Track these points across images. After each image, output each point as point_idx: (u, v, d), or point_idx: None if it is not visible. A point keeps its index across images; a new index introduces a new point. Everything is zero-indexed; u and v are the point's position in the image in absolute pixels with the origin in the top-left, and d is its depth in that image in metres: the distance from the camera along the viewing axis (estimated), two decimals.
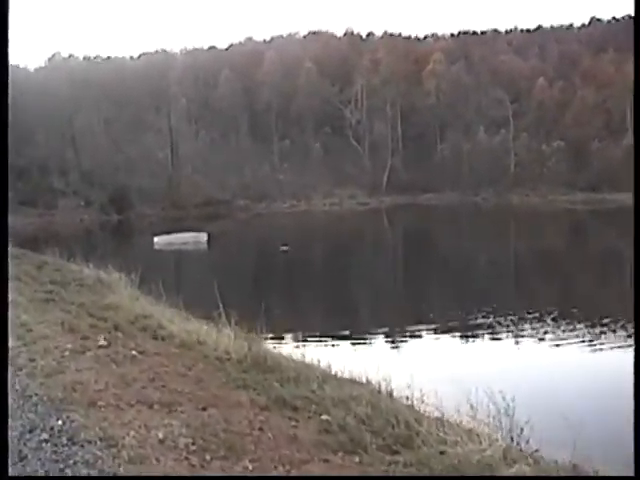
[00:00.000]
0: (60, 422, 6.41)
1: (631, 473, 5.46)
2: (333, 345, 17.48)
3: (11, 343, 9.40)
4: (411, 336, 19.41)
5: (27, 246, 36.27)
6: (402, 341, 18.89)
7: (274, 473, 5.77)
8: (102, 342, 9.72)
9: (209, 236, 48.66)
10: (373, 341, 18.87)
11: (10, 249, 27.54)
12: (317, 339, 17.81)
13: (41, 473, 5.43)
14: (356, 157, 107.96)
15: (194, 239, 48.08)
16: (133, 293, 17.24)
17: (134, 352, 9.39)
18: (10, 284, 16.68)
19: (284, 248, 40.66)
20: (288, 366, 9.64)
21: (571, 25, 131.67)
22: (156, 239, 48.11)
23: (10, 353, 8.85)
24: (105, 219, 76.36)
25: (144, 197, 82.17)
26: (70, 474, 5.41)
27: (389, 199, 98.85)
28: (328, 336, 18.36)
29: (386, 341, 19.09)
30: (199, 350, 10.51)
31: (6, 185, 6.44)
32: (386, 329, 20.52)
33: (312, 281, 32.13)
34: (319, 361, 11.04)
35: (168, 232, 49.50)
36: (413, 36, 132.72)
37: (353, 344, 18.10)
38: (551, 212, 79.82)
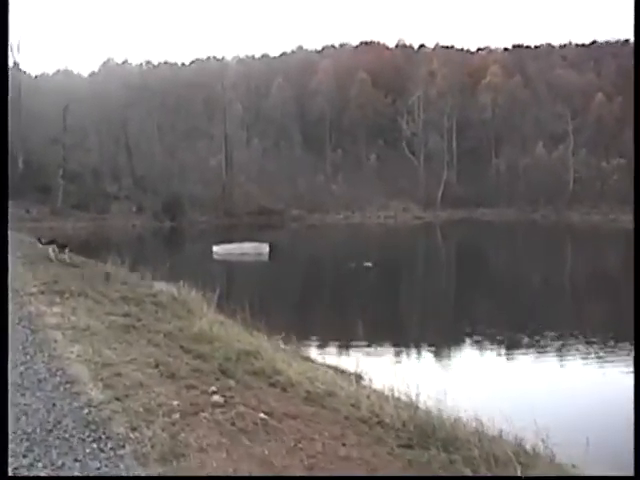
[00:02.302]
0: None
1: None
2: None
3: (100, 395, 7.21)
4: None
5: (80, 251, 34.40)
6: None
7: None
8: (216, 398, 7.39)
9: (270, 247, 46.63)
10: None
11: (67, 255, 25.77)
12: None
13: None
14: (411, 170, 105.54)
15: (255, 250, 46.07)
16: (216, 316, 14.97)
17: (261, 414, 7.05)
18: (77, 301, 14.56)
19: (368, 264, 38.42)
20: (464, 435, 7.22)
21: (627, 41, 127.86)
22: (215, 248, 46.23)
23: (101, 412, 6.66)
24: (157, 225, 75.00)
25: (196, 204, 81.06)
26: None
27: (444, 213, 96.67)
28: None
29: None
30: (334, 407, 8.18)
31: (6, 186, 6.70)
32: None
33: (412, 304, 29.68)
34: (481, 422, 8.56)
35: (228, 241, 47.63)
36: (465, 49, 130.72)
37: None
38: (613, 231, 76.53)
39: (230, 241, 47.64)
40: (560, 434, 8.42)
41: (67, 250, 25.22)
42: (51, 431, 6.25)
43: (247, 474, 5.59)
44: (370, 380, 11.13)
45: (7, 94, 6.71)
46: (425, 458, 6.52)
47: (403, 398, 9.07)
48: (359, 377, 12.16)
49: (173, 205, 77.82)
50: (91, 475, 5.48)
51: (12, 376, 7.78)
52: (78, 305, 13.22)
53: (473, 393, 10.83)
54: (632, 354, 17.43)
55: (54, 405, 6.93)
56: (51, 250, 24.46)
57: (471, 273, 41.11)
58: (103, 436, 6.16)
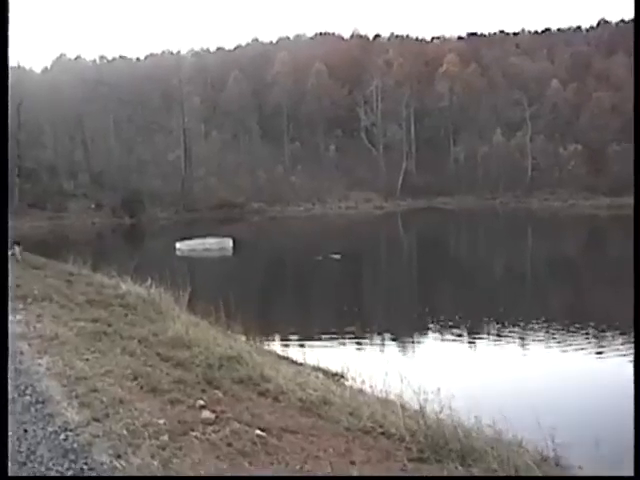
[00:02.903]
0: None
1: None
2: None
3: (76, 416, 6.49)
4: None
5: (38, 251, 33.39)
6: None
7: None
8: (206, 413, 6.70)
9: (234, 241, 45.79)
10: None
11: (22, 255, 24.87)
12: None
13: None
14: (370, 160, 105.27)
15: (219, 245, 45.21)
16: (189, 318, 14.24)
17: (258, 431, 6.38)
18: (40, 305, 13.72)
19: (335, 256, 37.74)
20: (479, 444, 6.60)
21: (579, 27, 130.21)
22: (178, 244, 45.30)
23: (79, 436, 5.95)
24: (117, 222, 73.65)
25: (156, 200, 79.89)
26: None
27: (405, 203, 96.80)
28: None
29: None
30: (333, 417, 7.52)
31: (6, 186, 6.61)
32: None
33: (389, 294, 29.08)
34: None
35: (190, 237, 46.67)
36: (420, 38, 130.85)
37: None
38: (572, 217, 77.10)
39: (193, 237, 46.69)
40: (566, 433, 8.08)
41: (20, 249, 24.47)
42: (24, 464, 5.50)
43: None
44: (362, 382, 10.46)
45: (7, 94, 6.66)
46: (443, 474, 5.91)
47: (402, 402, 8.42)
48: (349, 379, 11.57)
49: (132, 201, 76.44)
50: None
51: None
52: (43, 311, 12.41)
53: (468, 390, 10.20)
54: (602, 337, 17.99)
55: (26, 431, 6.18)
56: (18, 250, 23.68)
57: (440, 262, 40.76)
58: (85, 467, 5.45)
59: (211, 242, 45.47)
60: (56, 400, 7.02)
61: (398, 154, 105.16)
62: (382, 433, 7.05)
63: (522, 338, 18.66)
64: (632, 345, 15.98)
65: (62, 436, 6.04)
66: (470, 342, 18.84)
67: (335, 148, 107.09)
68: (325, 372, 12.52)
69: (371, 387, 9.85)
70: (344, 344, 17.83)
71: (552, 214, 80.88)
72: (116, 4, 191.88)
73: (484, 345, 18.44)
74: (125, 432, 6.07)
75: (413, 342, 19.19)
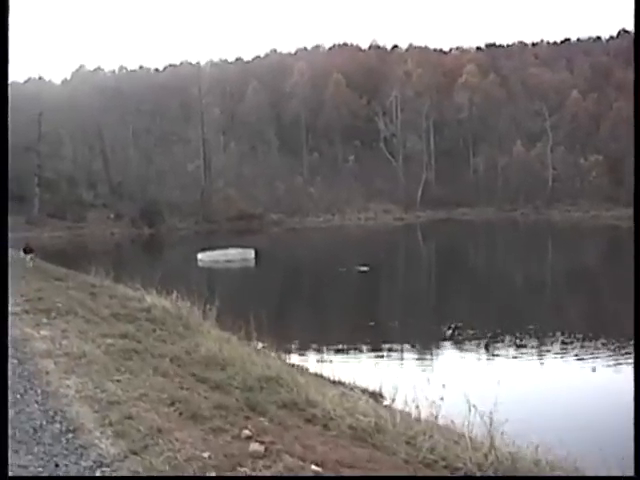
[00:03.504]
0: None
1: None
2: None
3: (112, 447, 5.88)
4: None
5: (57, 261, 33.16)
6: None
7: None
8: (255, 446, 6.06)
9: (256, 252, 45.24)
10: None
11: (35, 262, 24.44)
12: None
13: None
14: (389, 171, 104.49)
15: (241, 256, 44.74)
16: (219, 333, 13.63)
17: (313, 466, 5.75)
18: (65, 320, 13.11)
19: (363, 268, 37.03)
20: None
21: (599, 37, 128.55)
22: (200, 255, 44.90)
23: (118, 471, 5.35)
24: (136, 232, 73.33)
25: (175, 210, 79.62)
26: None
27: (424, 214, 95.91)
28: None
29: None
30: (389, 447, 6.87)
31: (6, 187, 6.57)
32: None
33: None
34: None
35: (212, 248, 46.19)
36: (438, 49, 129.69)
37: None
38: (593, 228, 76.06)
39: (214, 248, 46.19)
40: None
41: (32, 255, 24.57)
42: None
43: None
44: (406, 403, 9.73)
45: (7, 94, 6.58)
46: None
47: (459, 428, 7.76)
48: (390, 398, 10.92)
49: (151, 212, 76.16)
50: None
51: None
52: (68, 326, 11.82)
53: (522, 412, 9.52)
54: (620, 349, 17.85)
55: (57, 466, 5.56)
56: (29, 258, 23.50)
57: (468, 275, 40.19)
58: None
59: (233, 253, 45.01)
60: (88, 429, 6.41)
61: (418, 165, 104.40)
62: (446, 467, 6.40)
63: (577, 356, 18.06)
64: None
65: (98, 473, 5.42)
66: (514, 358, 18.33)
67: (354, 159, 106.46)
68: (365, 391, 11.83)
69: (417, 408, 9.16)
70: (380, 360, 17.18)
71: (573, 225, 79.93)
72: (135, 15, 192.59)
73: (528, 362, 17.77)
74: (167, 468, 5.45)
75: (451, 358, 18.50)
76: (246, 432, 6.46)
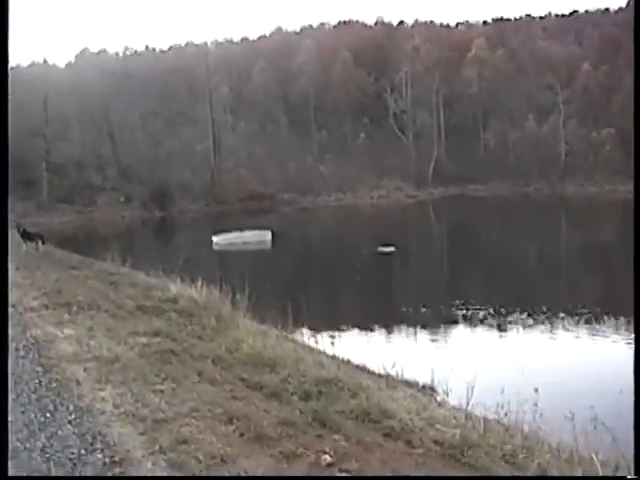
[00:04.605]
0: None
1: None
2: None
3: None
4: None
5: (69, 247, 32.18)
6: None
7: None
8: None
9: (272, 234, 44.18)
10: None
11: (45, 249, 23.48)
12: None
13: None
14: (400, 148, 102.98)
15: (257, 238, 43.67)
16: (253, 325, 12.56)
17: None
18: (88, 315, 11.99)
19: (387, 249, 35.70)
20: None
21: (607, 9, 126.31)
22: (215, 238, 43.95)
23: None
24: (147, 216, 72.30)
25: (185, 192, 78.65)
26: None
27: (437, 191, 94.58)
28: None
29: None
30: (487, 466, 5.85)
31: (6, 185, 6.61)
32: None
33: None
34: None
35: (227, 230, 45.17)
36: (445, 24, 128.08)
37: None
38: (608, 203, 74.68)
39: (229, 230, 45.15)
40: None
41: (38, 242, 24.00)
42: None
43: None
44: (477, 405, 8.63)
45: (7, 94, 6.35)
46: None
47: (553, 437, 6.67)
48: (451, 397, 9.85)
49: (162, 194, 75.06)
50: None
51: (34, 453, 5.36)
52: (94, 323, 10.72)
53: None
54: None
55: None
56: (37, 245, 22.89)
57: (495, 256, 38.75)
58: None
59: (249, 235, 43.99)
60: (136, 458, 5.34)
61: (428, 141, 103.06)
62: None
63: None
64: None
65: None
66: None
67: (364, 136, 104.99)
68: (423, 389, 10.81)
69: (497, 414, 8.06)
70: (419, 347, 16.05)
71: (588, 200, 78.61)
72: None
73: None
74: None
75: (513, 348, 17.32)
76: (326, 458, 5.39)
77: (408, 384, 10.93)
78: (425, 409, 7.42)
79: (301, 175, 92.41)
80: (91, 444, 5.62)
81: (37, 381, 7.37)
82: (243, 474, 5.02)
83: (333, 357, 11.18)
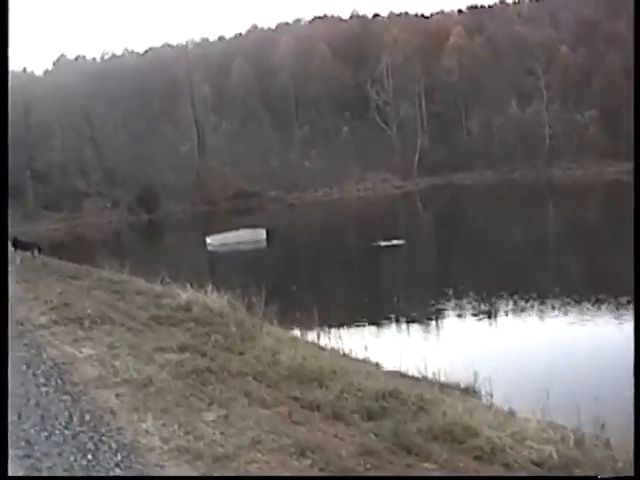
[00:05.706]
0: None
1: None
2: None
3: None
4: None
5: (57, 255, 31.14)
6: None
7: None
8: None
9: (267, 232, 43.42)
10: None
11: (42, 259, 22.58)
12: None
13: None
14: (384, 139, 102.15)
15: (252, 237, 42.95)
16: (281, 331, 11.75)
17: None
18: (103, 330, 11.01)
19: (395, 242, 34.79)
20: None
21: None
22: (209, 239, 43.34)
23: None
24: (134, 219, 71.55)
25: (171, 193, 77.81)
26: None
27: (422, 181, 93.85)
28: None
29: None
30: None
31: (6, 185, 6.75)
32: None
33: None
34: None
35: (219, 231, 44.50)
36: (419, 14, 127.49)
37: None
38: (595, 184, 74.34)
39: (222, 230, 44.40)
40: None
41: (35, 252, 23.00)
42: None
43: None
44: (531, 407, 7.75)
45: (7, 94, 6.44)
46: None
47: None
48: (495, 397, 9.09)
49: (147, 197, 74.28)
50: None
51: None
52: (111, 339, 9.81)
53: None
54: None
55: None
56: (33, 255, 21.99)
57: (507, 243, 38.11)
58: None
59: (243, 234, 43.31)
60: None
61: (412, 132, 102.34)
62: None
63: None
64: None
65: None
66: None
67: (348, 129, 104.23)
68: (474, 393, 10.01)
69: (545, 412, 7.26)
70: (449, 346, 15.24)
71: (574, 182, 78.20)
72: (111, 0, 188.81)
73: None
74: None
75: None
76: None
77: (456, 388, 10.14)
78: (506, 422, 6.64)
79: (286, 171, 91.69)
80: None
81: (67, 414, 6.46)
82: None
83: (375, 364, 10.40)
